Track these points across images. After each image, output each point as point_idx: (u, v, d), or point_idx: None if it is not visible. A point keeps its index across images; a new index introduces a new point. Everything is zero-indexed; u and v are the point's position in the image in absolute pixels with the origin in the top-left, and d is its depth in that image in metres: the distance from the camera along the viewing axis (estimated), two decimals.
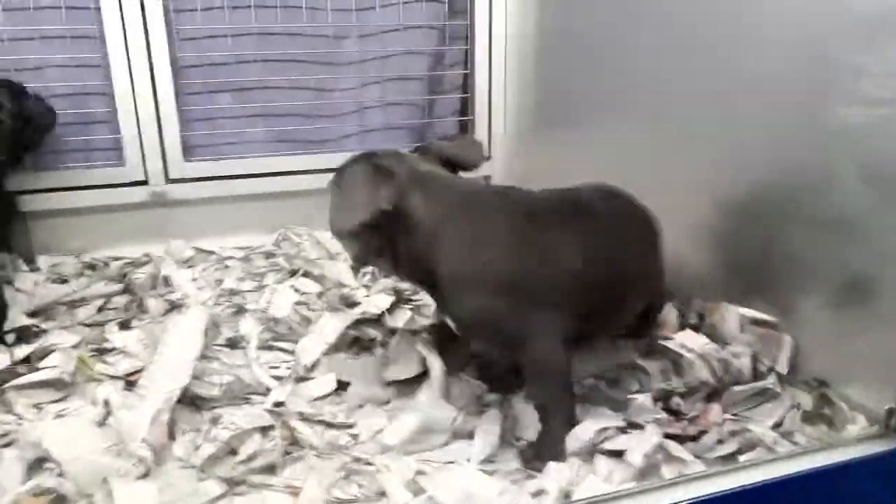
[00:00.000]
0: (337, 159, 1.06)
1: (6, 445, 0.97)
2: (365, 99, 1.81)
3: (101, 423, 1.04)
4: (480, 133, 1.89)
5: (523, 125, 1.85)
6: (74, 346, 1.22)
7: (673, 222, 1.29)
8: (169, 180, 1.67)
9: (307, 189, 1.67)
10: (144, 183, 1.66)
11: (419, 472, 0.92)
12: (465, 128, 1.92)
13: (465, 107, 1.91)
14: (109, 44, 1.55)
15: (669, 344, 1.07)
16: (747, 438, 0.92)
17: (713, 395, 1.03)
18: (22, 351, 1.17)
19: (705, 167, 1.23)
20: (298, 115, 1.77)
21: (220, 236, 1.70)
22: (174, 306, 1.44)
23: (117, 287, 1.50)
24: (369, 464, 0.93)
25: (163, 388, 1.01)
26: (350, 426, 1.04)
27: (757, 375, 1.06)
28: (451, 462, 0.95)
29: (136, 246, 1.67)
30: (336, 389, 1.11)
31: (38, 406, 1.06)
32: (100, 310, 1.43)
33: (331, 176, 1.00)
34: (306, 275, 1.50)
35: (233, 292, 1.50)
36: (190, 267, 1.64)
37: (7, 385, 1.07)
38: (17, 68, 1.53)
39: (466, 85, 1.89)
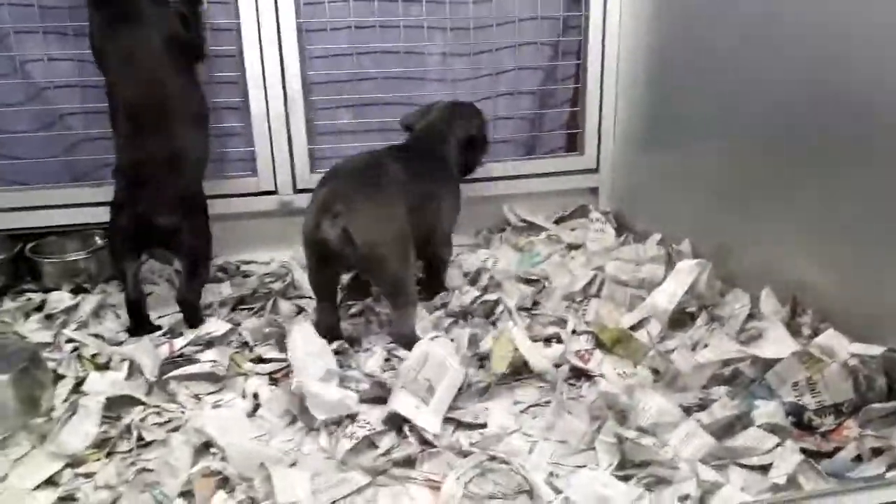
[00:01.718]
0: None
1: (174, 430, 1.07)
2: None
3: (251, 414, 1.14)
4: (590, 145, 1.91)
5: (633, 140, 1.85)
6: (227, 344, 1.32)
7: (787, 243, 1.28)
8: (296, 190, 1.77)
9: None
10: (274, 193, 1.77)
11: (552, 475, 0.96)
12: (574, 141, 1.94)
13: (575, 120, 1.93)
14: (247, 62, 1.66)
15: (810, 348, 1.05)
16: (894, 456, 0.90)
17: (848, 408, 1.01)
18: (180, 342, 1.28)
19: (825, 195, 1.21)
20: None
21: None
22: (301, 310, 1.53)
23: (249, 289, 1.61)
24: (505, 462, 0.97)
25: (308, 387, 1.08)
26: (482, 426, 1.08)
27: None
28: (582, 466, 0.98)
29: (264, 251, 1.79)
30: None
31: (197, 396, 1.16)
32: (233, 309, 1.54)
33: None
34: None
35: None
36: None
37: (169, 375, 1.18)
38: None
39: (576, 99, 1.91)
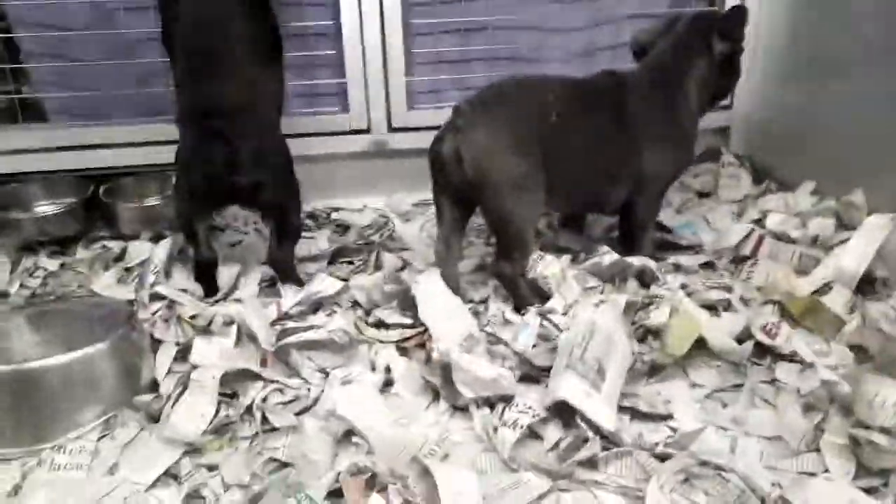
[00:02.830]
0: None
1: (303, 412, 0.91)
2: (595, 40, 1.63)
3: (383, 390, 0.98)
4: None
5: (774, 69, 1.60)
6: (337, 304, 1.16)
7: None
8: (391, 129, 1.57)
9: None
10: (367, 132, 1.57)
11: (775, 485, 0.78)
12: None
13: None
14: None
15: None
16: None
17: None
18: (288, 302, 1.12)
19: None
20: (522, 59, 1.62)
21: None
22: (406, 263, 1.36)
23: (348, 240, 1.44)
24: (720, 469, 0.79)
25: (454, 358, 0.92)
26: (665, 417, 0.90)
27: None
28: (810, 473, 0.80)
29: (355, 196, 1.61)
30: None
31: (322, 370, 0.99)
32: (331, 262, 1.38)
33: None
34: None
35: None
36: (407, 220, 1.56)
37: (287, 342, 1.01)
38: None
39: None
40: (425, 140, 1.56)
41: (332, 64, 1.54)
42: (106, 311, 1.03)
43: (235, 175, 1.11)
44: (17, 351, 0.93)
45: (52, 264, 1.33)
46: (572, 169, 1.15)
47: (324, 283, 1.17)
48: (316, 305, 1.16)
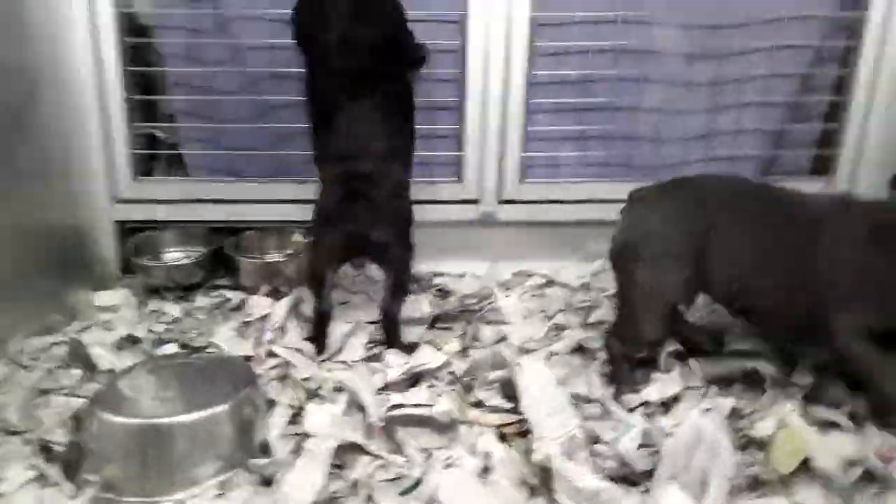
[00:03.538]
0: None
1: (405, 492, 0.94)
2: (716, 124, 1.62)
3: (481, 475, 0.99)
4: (844, 169, 1.62)
5: None
6: (441, 378, 1.19)
7: None
8: (501, 201, 1.61)
9: None
10: (476, 202, 1.62)
11: None
12: (820, 163, 1.65)
13: (826, 138, 1.64)
14: (470, 56, 1.51)
15: None
16: None
17: None
18: (394, 372, 1.16)
19: None
20: (639, 139, 1.63)
21: (538, 261, 1.61)
22: (503, 337, 1.37)
23: (449, 307, 1.47)
24: None
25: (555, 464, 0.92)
26: None
27: None
28: None
29: (457, 263, 1.64)
30: None
31: (425, 450, 1.02)
32: (430, 327, 1.41)
33: None
34: None
35: (559, 328, 1.40)
36: (507, 290, 1.57)
37: (393, 416, 1.05)
38: None
39: (833, 113, 1.62)
40: (532, 213, 1.62)
41: (450, 135, 1.60)
42: (229, 369, 1.10)
43: (374, 231, 1.22)
44: (147, 406, 1.00)
45: (176, 310, 1.43)
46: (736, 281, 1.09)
47: (428, 356, 1.21)
48: (416, 376, 1.20)
